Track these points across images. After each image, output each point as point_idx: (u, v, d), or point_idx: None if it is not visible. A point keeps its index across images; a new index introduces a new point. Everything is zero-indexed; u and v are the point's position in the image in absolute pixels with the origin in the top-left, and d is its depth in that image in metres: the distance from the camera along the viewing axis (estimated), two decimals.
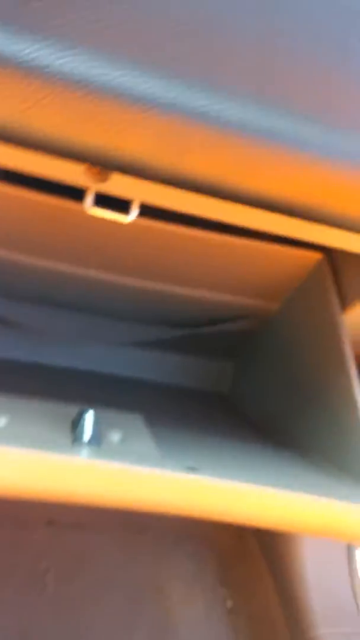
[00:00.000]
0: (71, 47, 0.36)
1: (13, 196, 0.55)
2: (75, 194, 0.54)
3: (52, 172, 0.45)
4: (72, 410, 0.52)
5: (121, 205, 0.51)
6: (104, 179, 0.47)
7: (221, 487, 0.43)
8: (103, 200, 0.51)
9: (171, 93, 0.38)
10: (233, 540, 1.09)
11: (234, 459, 0.54)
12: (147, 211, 0.52)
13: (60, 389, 0.66)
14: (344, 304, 0.61)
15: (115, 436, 0.50)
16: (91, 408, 0.48)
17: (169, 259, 0.64)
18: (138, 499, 0.44)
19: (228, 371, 0.84)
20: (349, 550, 0.95)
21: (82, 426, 0.47)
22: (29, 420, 0.50)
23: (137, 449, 0.49)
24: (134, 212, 0.50)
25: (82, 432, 0.47)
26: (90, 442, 0.47)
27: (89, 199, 0.50)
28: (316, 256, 0.62)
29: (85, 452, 0.46)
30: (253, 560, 1.03)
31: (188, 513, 0.46)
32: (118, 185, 0.47)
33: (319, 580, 0.92)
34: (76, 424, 0.48)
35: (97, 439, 0.47)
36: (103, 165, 0.46)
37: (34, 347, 0.74)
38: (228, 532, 1.10)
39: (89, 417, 0.48)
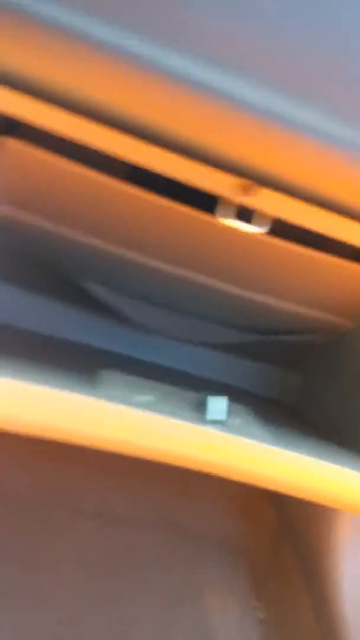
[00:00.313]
0: (246, 75, 0.43)
1: (145, 200, 0.63)
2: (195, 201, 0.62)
3: (199, 180, 0.52)
4: (198, 396, 0.59)
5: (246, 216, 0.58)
6: (253, 193, 0.54)
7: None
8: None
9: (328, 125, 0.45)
10: (268, 553, 1.13)
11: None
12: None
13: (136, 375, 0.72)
14: None
15: (236, 420, 0.57)
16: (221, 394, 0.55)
17: (262, 269, 0.71)
18: (263, 474, 0.51)
19: (296, 381, 0.91)
20: None
21: (215, 407, 0.54)
22: (168, 400, 0.57)
23: (256, 432, 0.56)
24: (266, 225, 0.57)
25: (214, 412, 0.54)
26: (220, 421, 0.54)
27: (226, 211, 0.57)
28: None
29: (213, 427, 0.52)
30: (288, 574, 1.07)
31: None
32: (263, 200, 0.54)
33: (357, 596, 0.95)
34: (210, 405, 0.55)
35: (227, 421, 0.54)
36: (255, 180, 0.53)
37: (128, 339, 0.81)
38: (264, 543, 1.14)
39: (219, 401, 0.54)
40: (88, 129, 0.49)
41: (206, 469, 0.54)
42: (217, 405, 0.54)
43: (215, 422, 0.53)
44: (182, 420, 0.50)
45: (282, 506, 1.08)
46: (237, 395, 0.60)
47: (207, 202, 0.62)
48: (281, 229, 0.59)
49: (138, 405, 0.53)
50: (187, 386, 0.65)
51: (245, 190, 0.51)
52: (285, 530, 1.06)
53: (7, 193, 0.67)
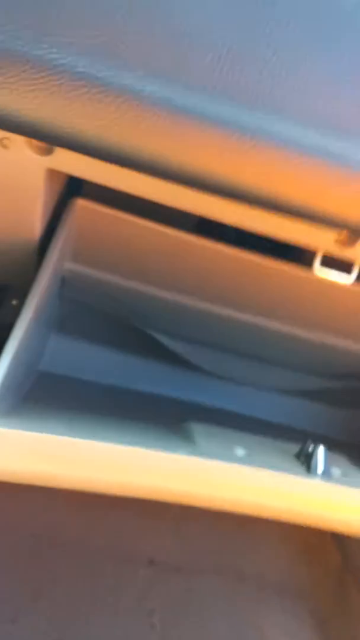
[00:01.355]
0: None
1: (218, 251, 0.64)
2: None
3: (299, 237, 0.53)
4: (290, 446, 0.59)
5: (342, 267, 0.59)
6: (350, 245, 0.55)
7: None
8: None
9: None
10: (333, 597, 1.11)
11: None
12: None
13: (222, 427, 0.72)
14: None
15: (336, 470, 0.57)
16: (320, 444, 0.55)
17: (345, 314, 0.72)
18: None
19: None
20: None
21: (315, 459, 0.54)
22: (264, 452, 0.57)
23: (358, 482, 0.56)
24: (355, 274, 0.58)
25: (316, 465, 0.54)
26: (323, 474, 0.54)
27: (318, 261, 0.58)
28: None
29: (323, 480, 0.52)
30: (354, 618, 1.05)
31: None
32: (357, 250, 0.55)
33: None
34: (308, 458, 0.55)
35: (328, 472, 0.54)
36: (351, 230, 0.54)
37: (203, 387, 0.81)
38: (328, 587, 1.13)
39: (321, 452, 0.55)
40: (180, 193, 0.50)
41: (310, 522, 0.54)
42: (318, 456, 0.54)
43: (318, 474, 0.53)
44: (288, 474, 0.50)
45: (348, 548, 1.07)
46: (324, 442, 0.60)
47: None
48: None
49: (239, 460, 0.53)
50: (273, 435, 0.65)
51: (345, 243, 0.52)
52: (351, 573, 1.04)
53: (73, 250, 0.69)
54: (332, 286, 0.60)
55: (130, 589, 1.09)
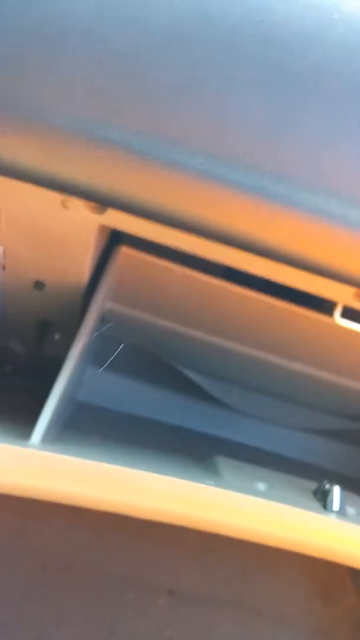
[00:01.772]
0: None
1: (247, 297, 0.69)
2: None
3: (321, 289, 0.58)
4: (308, 483, 0.63)
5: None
6: None
7: None
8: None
9: None
10: (349, 636, 1.13)
11: None
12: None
13: (245, 462, 0.76)
14: None
15: (351, 509, 0.61)
16: (336, 483, 0.59)
17: None
18: None
19: None
20: None
21: (331, 498, 0.58)
22: (282, 487, 0.61)
23: None
24: None
25: (331, 503, 0.58)
26: (338, 511, 0.58)
27: (338, 312, 0.63)
28: None
29: (337, 518, 0.57)
30: None
31: None
32: None
33: None
34: (324, 495, 0.59)
35: (343, 510, 0.58)
36: None
37: (228, 423, 0.86)
38: (345, 626, 1.14)
39: (336, 491, 0.59)
40: (214, 247, 0.56)
41: (323, 555, 0.58)
42: (334, 495, 0.58)
43: (333, 512, 0.57)
44: (304, 510, 0.55)
45: None
46: (339, 481, 0.64)
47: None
48: None
49: (260, 494, 0.58)
50: (292, 472, 0.70)
51: None
52: None
53: (114, 291, 0.75)
54: (352, 333, 0.65)
55: (149, 617, 1.11)
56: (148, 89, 0.44)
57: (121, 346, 0.76)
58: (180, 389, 0.82)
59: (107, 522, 1.15)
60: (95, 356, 0.81)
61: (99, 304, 0.62)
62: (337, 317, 0.61)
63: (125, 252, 0.65)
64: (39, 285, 0.64)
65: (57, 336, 0.80)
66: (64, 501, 0.54)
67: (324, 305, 0.74)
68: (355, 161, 0.49)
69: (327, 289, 0.58)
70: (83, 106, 0.43)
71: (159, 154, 0.45)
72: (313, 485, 0.63)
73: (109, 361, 0.78)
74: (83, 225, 0.53)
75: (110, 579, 1.11)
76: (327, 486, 0.59)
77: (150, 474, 0.53)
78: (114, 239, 0.68)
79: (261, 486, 0.60)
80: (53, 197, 0.49)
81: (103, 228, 0.56)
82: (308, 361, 0.76)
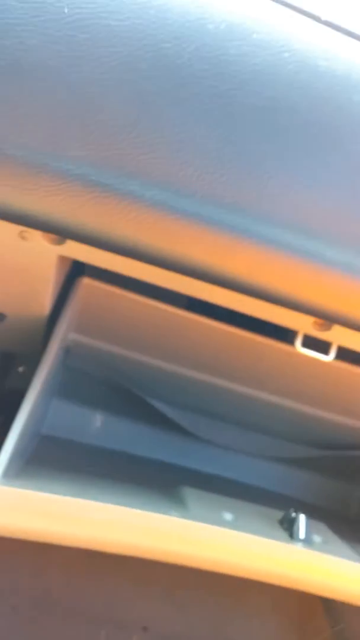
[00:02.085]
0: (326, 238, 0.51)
1: (211, 327, 0.70)
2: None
3: (281, 318, 0.59)
4: (274, 512, 0.63)
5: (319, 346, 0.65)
6: (326, 329, 0.61)
7: None
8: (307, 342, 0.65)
9: None
10: None
11: None
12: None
13: (212, 492, 0.76)
14: None
15: (317, 538, 0.61)
16: (301, 512, 0.59)
17: (329, 388, 0.77)
18: (350, 590, 0.55)
19: (356, 495, 0.94)
20: None
21: (297, 526, 0.58)
22: (249, 517, 0.61)
23: (339, 550, 0.60)
24: (333, 353, 0.64)
25: (297, 531, 0.58)
26: (304, 540, 0.58)
27: (299, 341, 0.64)
28: None
29: (304, 546, 0.56)
30: None
31: None
32: (337, 334, 0.61)
33: None
34: (290, 524, 0.59)
35: (309, 539, 0.58)
36: (325, 318, 0.61)
37: (194, 454, 0.86)
38: None
39: (302, 520, 0.59)
40: (174, 277, 0.56)
41: (291, 585, 0.57)
42: (300, 524, 0.58)
43: (300, 541, 0.57)
44: (271, 539, 0.55)
45: (339, 620, 1.08)
46: (304, 509, 0.64)
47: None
48: (344, 353, 0.65)
49: (226, 524, 0.57)
50: (258, 501, 0.69)
51: (322, 327, 0.58)
52: None
53: (78, 322, 0.75)
54: (315, 362, 0.65)
55: None
56: (102, 121, 0.45)
57: (85, 377, 0.75)
58: (146, 419, 0.82)
59: (77, 560, 1.13)
60: (60, 388, 0.80)
61: (61, 335, 0.62)
62: (298, 346, 0.62)
63: (86, 283, 0.65)
64: None
65: (21, 369, 0.79)
66: (27, 537, 0.53)
67: (287, 335, 0.75)
68: (309, 194, 0.50)
69: (287, 318, 0.59)
70: (37, 137, 0.43)
71: (114, 185, 0.46)
72: (279, 514, 0.63)
73: (73, 393, 0.77)
74: (42, 256, 0.53)
75: (83, 618, 1.09)
76: (293, 515, 0.59)
77: (114, 506, 0.52)
78: (77, 269, 0.68)
79: (228, 516, 0.60)
80: (10, 229, 0.49)
81: (63, 259, 0.56)
82: (272, 390, 0.77)
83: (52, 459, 0.69)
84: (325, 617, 1.15)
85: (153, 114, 0.46)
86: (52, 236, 0.52)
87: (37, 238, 0.51)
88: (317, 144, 0.49)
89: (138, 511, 0.52)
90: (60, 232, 0.49)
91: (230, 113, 0.48)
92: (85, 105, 0.45)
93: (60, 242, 0.53)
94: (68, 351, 0.74)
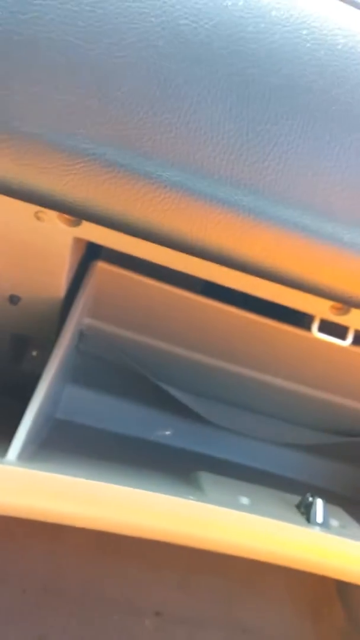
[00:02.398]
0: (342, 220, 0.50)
1: (225, 312, 0.69)
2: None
3: (297, 302, 0.58)
4: (291, 497, 0.62)
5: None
6: (344, 313, 0.61)
7: None
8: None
9: None
10: None
11: None
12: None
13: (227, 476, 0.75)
14: None
15: (334, 522, 0.61)
16: (318, 497, 0.59)
17: (343, 373, 0.76)
18: None
19: None
20: None
21: (315, 510, 0.58)
22: (265, 502, 0.61)
23: (357, 534, 0.59)
24: (350, 337, 0.63)
25: (315, 515, 0.58)
26: (322, 524, 0.57)
27: (316, 326, 0.63)
28: None
29: (321, 530, 0.56)
30: None
31: None
32: (352, 317, 0.60)
33: None
34: (307, 508, 0.59)
35: (326, 522, 0.58)
36: (343, 302, 0.60)
37: (211, 439, 0.86)
38: None
39: (320, 504, 0.58)
40: (191, 260, 0.56)
41: (307, 568, 0.57)
42: (317, 508, 0.57)
43: (317, 524, 0.57)
44: (288, 523, 0.54)
45: (353, 604, 1.08)
46: (320, 495, 0.63)
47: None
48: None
49: (243, 508, 0.57)
50: (276, 486, 0.69)
51: (339, 311, 0.57)
52: (356, 628, 1.05)
53: (92, 307, 0.75)
54: (331, 347, 0.65)
55: (136, 639, 1.09)
56: (119, 99, 0.44)
57: (100, 363, 0.75)
58: (162, 405, 0.82)
59: (90, 544, 1.13)
60: (74, 373, 0.80)
61: (76, 319, 0.61)
62: (315, 331, 0.61)
63: (101, 267, 0.65)
64: (13, 299, 0.63)
65: (34, 352, 0.79)
66: (41, 518, 0.53)
67: (304, 321, 0.74)
68: (327, 175, 0.49)
69: (304, 302, 0.58)
70: (54, 115, 0.43)
71: (131, 165, 0.45)
72: (296, 499, 0.62)
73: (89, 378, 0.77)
74: (57, 237, 0.53)
75: (94, 601, 1.09)
76: (310, 499, 0.59)
77: (131, 489, 0.52)
78: (93, 252, 0.68)
79: (244, 500, 0.60)
80: (26, 209, 0.49)
81: (79, 241, 0.55)
82: (288, 376, 0.76)
83: (67, 443, 0.69)
84: (339, 600, 1.15)
85: (170, 92, 0.46)
86: (68, 217, 0.52)
87: (52, 219, 0.50)
88: (336, 124, 0.49)
89: (154, 493, 0.52)
90: (75, 213, 0.48)
91: (248, 91, 0.47)
92: (102, 82, 0.44)
93: (76, 224, 0.53)
94: (82, 336, 0.73)
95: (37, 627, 1.03)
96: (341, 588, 1.16)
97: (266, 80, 0.47)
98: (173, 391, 0.75)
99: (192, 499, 0.53)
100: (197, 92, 0.46)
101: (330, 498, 0.65)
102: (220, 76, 0.46)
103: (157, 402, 0.81)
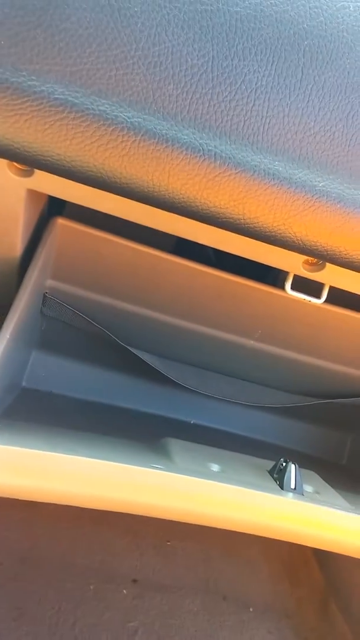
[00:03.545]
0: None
1: (196, 271, 0.66)
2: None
3: (270, 258, 0.55)
4: (264, 462, 0.60)
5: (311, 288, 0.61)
6: (318, 269, 0.57)
7: None
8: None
9: None
10: (316, 617, 1.12)
11: None
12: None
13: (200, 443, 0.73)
14: None
15: (308, 488, 0.58)
16: (291, 462, 0.56)
17: (318, 334, 0.73)
18: (345, 541, 0.52)
19: (347, 442, 0.92)
20: None
21: (288, 476, 0.55)
22: (236, 468, 0.58)
23: (330, 499, 0.57)
24: (324, 295, 0.60)
25: (288, 481, 0.55)
26: (295, 490, 0.55)
27: (289, 283, 0.60)
28: None
29: (294, 497, 0.54)
30: (339, 636, 1.06)
31: None
32: (328, 274, 0.57)
33: None
34: (280, 474, 0.56)
35: (300, 488, 0.55)
36: (317, 257, 0.56)
37: (181, 403, 0.83)
38: (311, 608, 1.13)
39: (292, 469, 0.56)
40: (156, 214, 0.52)
41: (281, 537, 0.55)
42: (290, 474, 0.55)
43: (290, 491, 0.54)
44: (260, 490, 0.52)
45: (330, 569, 1.08)
46: (294, 458, 0.61)
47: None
48: (334, 297, 0.62)
49: (213, 475, 0.54)
50: (247, 451, 0.67)
51: (313, 266, 0.54)
52: (335, 595, 1.05)
53: (55, 268, 0.70)
54: (305, 306, 0.61)
55: (113, 608, 1.09)
56: (68, 29, 0.39)
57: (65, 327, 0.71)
58: (131, 370, 0.78)
59: (65, 514, 1.11)
60: (41, 339, 0.76)
61: (34, 280, 0.57)
62: (288, 288, 0.58)
63: (61, 223, 0.60)
64: None
65: None
66: (4, 494, 0.50)
67: (278, 280, 0.71)
68: (299, 117, 0.45)
69: (277, 258, 0.55)
70: None
71: (83, 105, 0.41)
72: (269, 464, 0.60)
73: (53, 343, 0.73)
74: (8, 189, 0.48)
75: (70, 571, 1.08)
76: (283, 464, 0.56)
77: (94, 460, 0.48)
78: (59, 211, 0.63)
79: (215, 467, 0.57)
80: None
81: (33, 194, 0.51)
82: (261, 337, 0.73)
83: (31, 411, 0.66)
84: (316, 562, 1.15)
85: (125, 22, 0.41)
86: (18, 166, 0.47)
87: (1, 168, 0.46)
88: (308, 59, 0.44)
89: (120, 465, 0.49)
90: (25, 161, 0.44)
91: (212, 22, 0.42)
92: (49, 10, 0.39)
93: (28, 174, 0.48)
94: (45, 299, 0.69)
95: (14, 599, 1.02)
96: (317, 549, 1.15)
97: (232, 10, 0.43)
98: (143, 355, 0.71)
99: (159, 468, 0.50)
100: (155, 23, 0.42)
101: (305, 461, 0.63)
102: (181, 4, 0.42)
103: (127, 368, 0.78)
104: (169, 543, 1.14)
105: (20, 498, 0.53)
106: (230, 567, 1.14)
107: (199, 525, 1.05)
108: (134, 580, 1.12)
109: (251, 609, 1.13)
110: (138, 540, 1.14)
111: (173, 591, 1.12)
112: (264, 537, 0.61)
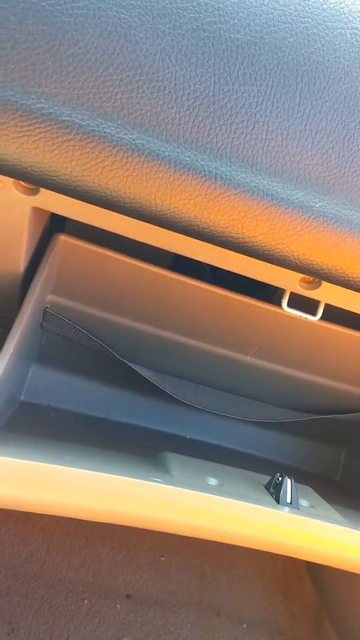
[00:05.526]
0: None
1: (195, 287, 0.67)
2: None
3: (267, 276, 0.56)
4: (260, 477, 0.61)
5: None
6: (314, 287, 0.59)
7: None
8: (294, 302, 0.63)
9: None
10: (308, 631, 1.12)
11: None
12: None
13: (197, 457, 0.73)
14: None
15: (304, 502, 0.59)
16: (287, 476, 0.57)
17: (313, 350, 0.75)
18: (339, 555, 0.53)
19: (341, 458, 0.93)
20: None
21: (284, 491, 0.56)
22: (234, 482, 0.59)
23: (326, 514, 0.58)
24: (320, 312, 0.62)
25: (284, 496, 0.56)
26: (291, 504, 0.56)
27: (286, 300, 0.61)
28: None
29: (291, 511, 0.54)
30: None
31: None
32: (325, 292, 0.58)
33: None
34: (276, 488, 0.57)
35: (296, 502, 0.56)
36: (314, 275, 0.58)
37: (177, 419, 0.84)
38: (304, 623, 1.13)
39: (288, 484, 0.57)
40: (156, 231, 0.53)
41: (277, 550, 0.56)
42: (287, 488, 0.56)
43: (286, 505, 0.55)
44: (256, 504, 0.52)
45: (324, 586, 1.08)
46: (289, 473, 0.62)
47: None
48: (330, 314, 0.63)
49: (211, 489, 0.55)
50: (244, 466, 0.67)
51: (309, 284, 0.55)
52: (328, 610, 1.05)
53: (55, 283, 0.71)
54: (302, 323, 0.63)
55: (107, 623, 1.08)
56: (76, 55, 0.41)
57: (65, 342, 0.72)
58: (129, 385, 0.79)
59: (59, 529, 1.11)
60: (39, 353, 0.77)
61: (36, 295, 0.58)
62: (285, 306, 0.59)
63: (63, 240, 0.61)
64: None
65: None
66: (3, 506, 0.50)
67: (275, 297, 0.72)
68: (297, 140, 0.47)
69: (274, 275, 0.56)
70: (4, 71, 0.39)
71: (89, 127, 0.42)
72: (265, 478, 0.61)
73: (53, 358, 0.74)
74: (14, 206, 0.49)
75: (64, 586, 1.08)
76: (279, 479, 0.57)
77: (93, 473, 0.49)
78: (60, 226, 0.64)
79: (212, 481, 0.58)
80: None
81: (38, 211, 0.52)
82: (258, 353, 0.74)
83: (30, 425, 0.67)
84: (309, 578, 1.15)
85: (131, 48, 0.42)
86: (25, 185, 0.48)
87: (8, 186, 0.47)
88: (306, 84, 0.46)
89: (120, 477, 0.50)
90: (32, 180, 0.45)
91: (214, 49, 0.44)
92: (58, 36, 0.41)
93: (33, 192, 0.50)
94: (45, 314, 0.70)
95: (7, 614, 1.01)
96: (311, 566, 1.16)
97: (233, 36, 0.44)
98: (140, 370, 0.72)
99: (158, 482, 0.50)
100: (159, 49, 0.43)
101: (300, 477, 0.64)
102: (184, 31, 0.43)
103: (125, 382, 0.79)
104: (163, 558, 1.14)
105: (19, 509, 0.53)
106: (224, 582, 1.14)
107: (193, 541, 1.06)
108: (128, 596, 1.12)
109: (245, 625, 1.12)
110: (132, 555, 1.14)
111: (167, 607, 1.12)
112: (258, 553, 0.62)
